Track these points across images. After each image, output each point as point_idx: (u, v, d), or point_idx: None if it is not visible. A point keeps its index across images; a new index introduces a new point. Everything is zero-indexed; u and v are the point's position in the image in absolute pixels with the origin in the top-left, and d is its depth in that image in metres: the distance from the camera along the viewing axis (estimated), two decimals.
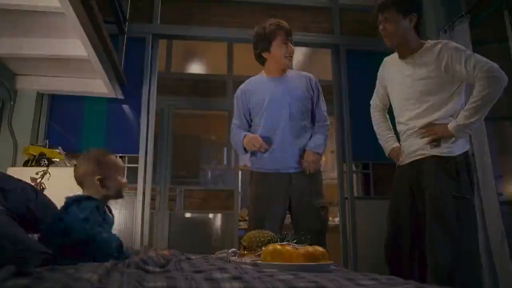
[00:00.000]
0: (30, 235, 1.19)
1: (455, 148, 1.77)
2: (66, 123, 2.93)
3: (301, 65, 4.87)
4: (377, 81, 2.12)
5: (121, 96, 2.93)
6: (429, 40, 1.91)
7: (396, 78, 1.97)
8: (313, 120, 2.13)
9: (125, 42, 3.02)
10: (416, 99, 1.85)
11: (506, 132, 3.09)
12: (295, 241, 1.32)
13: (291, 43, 2.09)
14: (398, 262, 1.85)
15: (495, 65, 1.72)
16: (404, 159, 1.92)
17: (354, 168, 3.23)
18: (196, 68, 5.19)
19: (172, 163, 4.00)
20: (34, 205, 1.26)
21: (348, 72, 3.26)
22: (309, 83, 2.13)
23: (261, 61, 2.13)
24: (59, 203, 1.36)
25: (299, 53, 4.76)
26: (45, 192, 1.68)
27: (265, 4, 3.42)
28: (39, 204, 1.31)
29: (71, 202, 1.27)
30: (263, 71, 2.17)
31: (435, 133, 1.78)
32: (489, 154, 2.60)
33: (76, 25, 1.90)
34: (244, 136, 2.04)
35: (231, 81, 4.01)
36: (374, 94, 2.15)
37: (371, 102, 2.17)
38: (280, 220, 2.01)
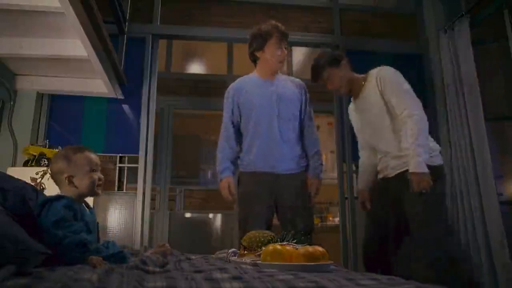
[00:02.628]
0: None
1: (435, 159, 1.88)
2: (66, 123, 2.92)
3: (301, 65, 4.86)
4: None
5: (121, 96, 2.93)
6: (367, 74, 2.04)
7: (356, 120, 2.17)
8: (300, 124, 2.15)
9: (125, 42, 3.01)
10: (372, 133, 2.03)
11: (506, 132, 3.09)
12: (295, 241, 1.32)
13: (286, 47, 2.11)
14: (375, 267, 1.93)
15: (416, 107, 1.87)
16: (390, 172, 1.97)
17: (354, 168, 3.23)
18: (196, 68, 5.19)
19: (172, 163, 4.00)
20: (34, 205, 1.26)
21: None
22: (299, 89, 2.17)
23: (254, 59, 2.16)
24: None
25: (299, 53, 4.75)
26: (45, 192, 1.67)
27: (265, 4, 3.42)
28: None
29: (42, 204, 1.24)
30: (255, 71, 2.19)
31: (418, 184, 1.78)
32: (489, 154, 2.61)
33: (76, 25, 1.90)
34: (224, 176, 2.09)
35: (231, 81, 3.99)
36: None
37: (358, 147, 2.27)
38: (265, 220, 2.01)
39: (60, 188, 1.36)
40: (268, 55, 2.08)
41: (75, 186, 1.33)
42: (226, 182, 2.07)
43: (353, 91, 2.09)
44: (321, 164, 2.15)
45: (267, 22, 2.11)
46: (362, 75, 2.05)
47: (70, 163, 1.34)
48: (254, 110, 2.08)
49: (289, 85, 2.16)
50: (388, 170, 1.97)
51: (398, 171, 1.90)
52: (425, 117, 1.86)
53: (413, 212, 1.82)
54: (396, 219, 1.92)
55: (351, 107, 2.19)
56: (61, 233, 1.17)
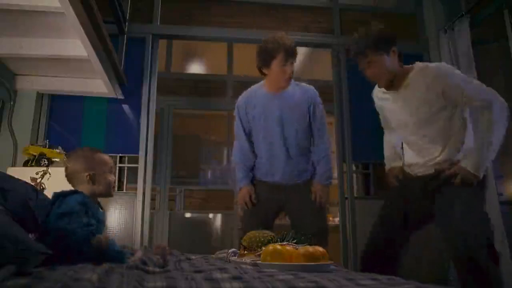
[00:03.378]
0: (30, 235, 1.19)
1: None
2: (66, 123, 2.92)
3: (301, 65, 4.86)
4: (381, 117, 2.06)
5: (121, 96, 2.93)
6: (414, 66, 1.82)
7: (389, 111, 1.92)
8: (310, 131, 2.14)
9: (125, 42, 3.01)
10: (408, 129, 1.83)
11: (506, 132, 3.08)
12: (295, 241, 1.32)
13: (292, 63, 2.07)
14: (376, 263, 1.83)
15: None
16: (419, 171, 1.84)
17: (354, 168, 3.23)
18: (196, 68, 5.19)
19: (172, 163, 4.00)
20: (34, 205, 1.26)
21: (348, 72, 3.25)
22: (307, 97, 2.12)
23: (261, 73, 2.13)
24: None
25: (299, 53, 4.73)
26: (45, 192, 1.67)
27: (265, 4, 3.42)
28: (39, 204, 1.31)
29: (57, 197, 1.26)
30: (265, 81, 2.16)
31: (462, 178, 1.68)
32: None
33: (76, 25, 1.90)
34: (243, 185, 2.15)
35: (231, 81, 4.02)
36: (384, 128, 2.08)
37: (384, 138, 2.11)
38: (267, 224, 2.04)
39: (76, 188, 1.38)
40: (274, 73, 2.05)
41: (95, 184, 1.37)
42: (245, 190, 2.14)
43: (392, 84, 1.82)
44: (327, 170, 2.12)
45: (274, 36, 2.05)
46: (407, 66, 1.81)
47: (91, 162, 1.39)
48: (262, 123, 2.10)
49: (296, 95, 2.11)
50: (420, 174, 1.83)
51: (431, 173, 1.77)
52: (505, 111, 1.68)
53: (456, 204, 1.67)
54: (417, 215, 1.80)
55: (384, 96, 1.91)
56: (64, 224, 1.17)
